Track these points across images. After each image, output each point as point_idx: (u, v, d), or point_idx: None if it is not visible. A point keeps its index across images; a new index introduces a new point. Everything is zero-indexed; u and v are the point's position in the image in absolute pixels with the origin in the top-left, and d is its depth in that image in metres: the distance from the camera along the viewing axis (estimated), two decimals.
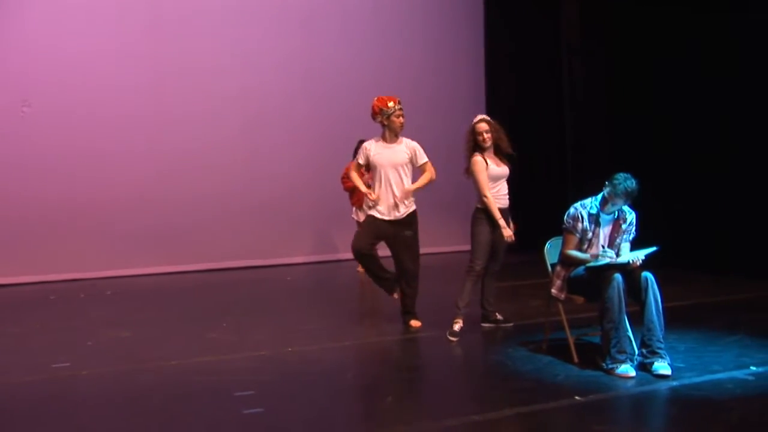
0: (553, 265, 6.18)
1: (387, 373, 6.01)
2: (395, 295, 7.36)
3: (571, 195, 10.88)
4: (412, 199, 7.12)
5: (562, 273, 6.00)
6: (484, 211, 6.79)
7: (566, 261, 5.95)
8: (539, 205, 12.44)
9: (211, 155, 11.33)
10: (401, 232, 7.08)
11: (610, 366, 5.49)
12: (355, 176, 7.27)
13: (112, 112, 10.89)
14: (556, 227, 6.21)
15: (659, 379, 5.36)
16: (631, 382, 5.33)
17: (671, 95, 10.64)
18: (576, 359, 5.84)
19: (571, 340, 5.97)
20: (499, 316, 7.17)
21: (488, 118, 6.99)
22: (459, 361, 6.33)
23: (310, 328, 7.28)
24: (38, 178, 10.59)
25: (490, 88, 13.20)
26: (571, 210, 5.91)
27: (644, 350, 5.54)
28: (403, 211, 7.06)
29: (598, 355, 5.69)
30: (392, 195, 7.01)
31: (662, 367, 5.43)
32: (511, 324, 7.14)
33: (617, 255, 5.78)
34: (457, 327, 6.74)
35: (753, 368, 5.59)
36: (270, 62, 11.83)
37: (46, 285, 10.40)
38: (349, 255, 11.74)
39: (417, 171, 7.32)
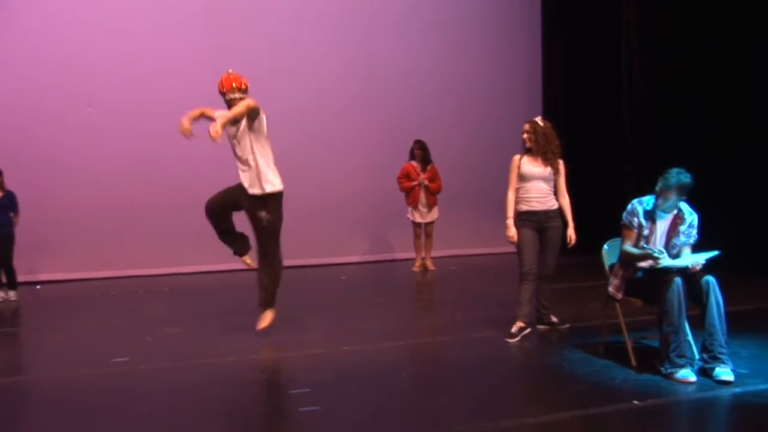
0: (611, 266, 6.10)
1: (442, 373, 6.00)
2: (247, 261, 7.03)
3: (630, 196, 10.71)
4: (273, 179, 6.76)
5: (620, 272, 5.92)
6: (524, 213, 6.78)
7: (624, 258, 5.86)
8: (597, 207, 12.29)
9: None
10: (255, 211, 6.73)
11: (670, 370, 5.38)
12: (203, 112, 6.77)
13: (175, 114, 11.05)
14: (615, 229, 6.12)
15: (721, 385, 5.24)
16: (691, 388, 5.22)
17: (731, 95, 10.41)
18: (634, 363, 5.74)
19: (628, 343, 5.88)
20: (554, 319, 7.10)
21: (535, 119, 6.94)
22: (514, 363, 6.27)
23: (365, 328, 7.30)
24: (100, 178, 10.87)
25: (546, 88, 13.09)
26: (629, 206, 5.86)
27: (705, 355, 5.43)
28: (250, 188, 6.69)
29: (656, 359, 5.58)
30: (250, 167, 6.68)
31: (724, 372, 5.31)
32: (566, 326, 7.07)
33: (676, 256, 5.67)
34: (514, 329, 6.69)
35: None
36: (330, 66, 11.96)
37: (108, 281, 10.65)
38: (405, 254, 11.90)
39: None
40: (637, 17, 12.08)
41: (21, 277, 9.78)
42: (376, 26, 12.29)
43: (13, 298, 9.52)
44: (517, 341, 6.60)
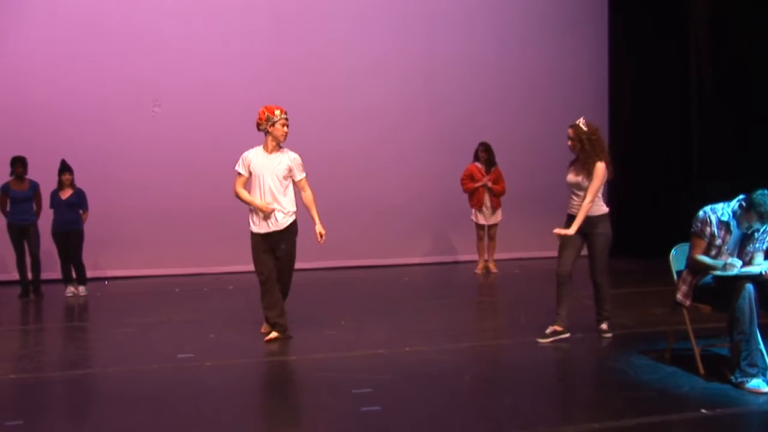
0: (678, 272, 5.96)
1: (504, 377, 5.95)
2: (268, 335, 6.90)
3: (698, 200, 10.49)
4: (293, 210, 6.82)
5: (689, 278, 5.78)
6: (568, 217, 6.75)
7: (693, 266, 5.72)
8: (665, 210, 12.09)
9: (337, 160, 11.48)
10: (279, 245, 6.76)
11: (740, 380, 5.24)
12: (240, 191, 6.80)
13: (240, 114, 11.20)
14: (682, 233, 5.99)
15: None
16: (763, 398, 5.06)
17: None
18: (702, 371, 5.61)
19: (696, 351, 5.74)
20: (603, 326, 6.83)
21: (578, 123, 6.66)
22: (578, 368, 6.19)
23: (427, 329, 7.28)
24: (166, 176, 11.07)
25: (612, 89, 12.88)
26: (700, 213, 5.65)
27: None
28: (282, 221, 6.74)
29: (726, 367, 5.44)
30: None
31: None
32: (609, 335, 6.77)
33: (749, 263, 5.52)
34: (548, 330, 6.66)
35: None
36: (393, 68, 11.99)
37: (173, 278, 10.82)
38: (468, 256, 11.84)
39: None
40: (708, 12, 11.83)
41: (89, 273, 10.01)
42: (439, 28, 12.25)
43: (82, 293, 9.76)
44: (548, 342, 6.55)
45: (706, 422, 4.73)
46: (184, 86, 11.17)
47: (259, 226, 6.76)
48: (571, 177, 6.69)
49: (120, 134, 11.00)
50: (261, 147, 6.83)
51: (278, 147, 6.79)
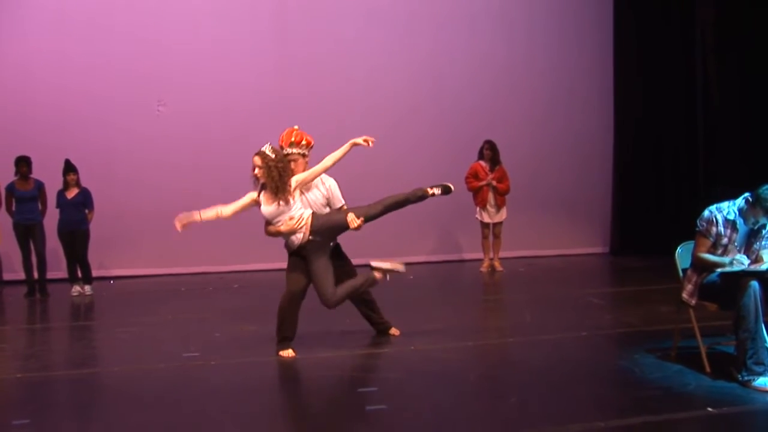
0: (684, 270, 5.94)
1: (510, 375, 5.94)
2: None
3: (703, 197, 10.49)
4: None
5: (694, 277, 5.76)
6: None
7: (698, 264, 5.70)
8: (670, 208, 12.07)
9: (342, 159, 11.46)
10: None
11: (747, 378, 5.22)
12: None
13: (244, 112, 11.24)
14: (688, 230, 5.98)
15: None
16: None
17: None
18: (708, 369, 5.58)
19: (702, 349, 5.72)
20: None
21: (263, 150, 6.19)
22: (584, 366, 6.16)
23: (433, 328, 7.28)
24: (171, 175, 11.07)
25: (618, 88, 12.86)
26: (706, 213, 5.63)
27: None
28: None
29: (732, 365, 5.42)
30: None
31: None
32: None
33: (756, 261, 5.50)
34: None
35: None
36: (399, 67, 11.98)
37: (178, 277, 10.85)
38: (473, 255, 11.83)
39: None
40: (714, 15, 11.81)
41: (94, 272, 10.04)
42: (445, 29, 12.25)
43: (88, 293, 9.78)
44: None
45: (713, 421, 4.71)
46: (189, 85, 11.20)
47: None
48: (267, 207, 6.20)
49: (125, 133, 11.02)
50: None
51: None
